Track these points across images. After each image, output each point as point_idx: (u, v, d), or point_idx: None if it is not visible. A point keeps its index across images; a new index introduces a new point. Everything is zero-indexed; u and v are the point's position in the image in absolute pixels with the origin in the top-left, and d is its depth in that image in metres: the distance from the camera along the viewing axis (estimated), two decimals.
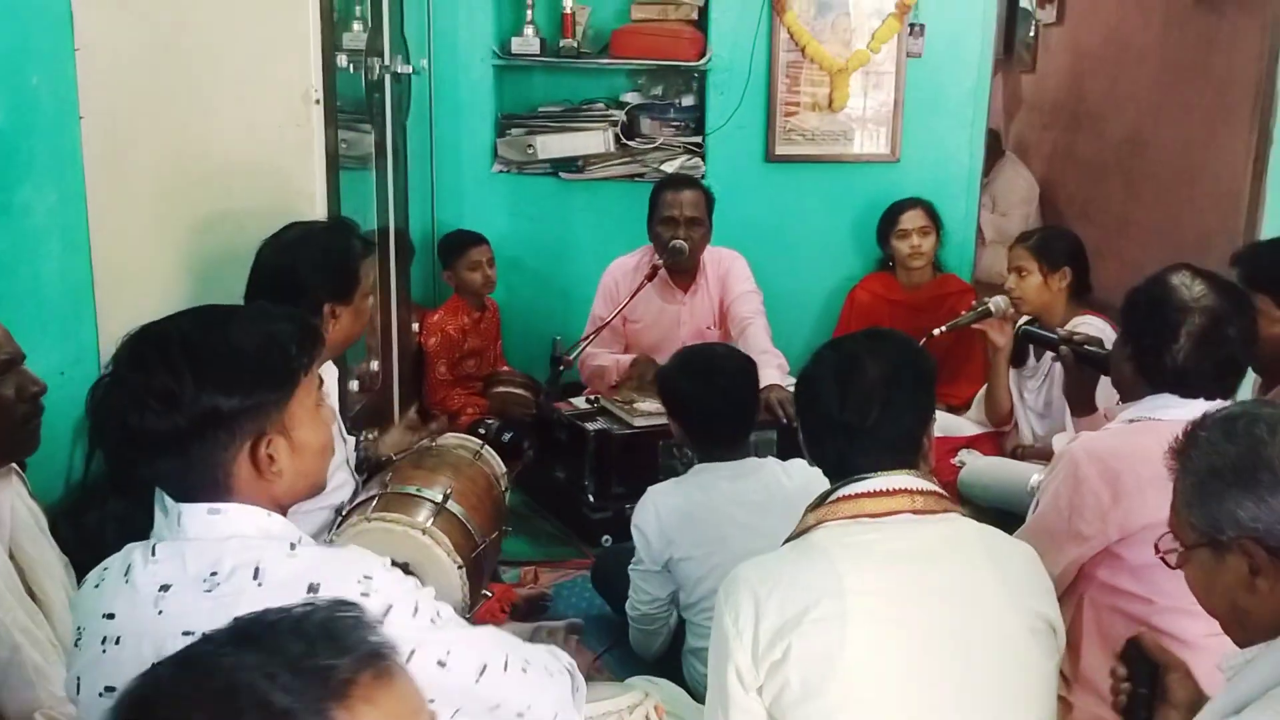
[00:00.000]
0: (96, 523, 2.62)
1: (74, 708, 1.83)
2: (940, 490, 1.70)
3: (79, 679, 1.45)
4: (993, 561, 1.66)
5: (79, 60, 2.77)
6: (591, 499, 3.34)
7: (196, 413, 1.41)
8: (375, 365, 3.57)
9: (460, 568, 2.27)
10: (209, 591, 1.40)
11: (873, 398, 1.69)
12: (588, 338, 3.81)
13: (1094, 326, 3.33)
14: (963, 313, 3.60)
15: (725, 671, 1.62)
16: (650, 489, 2.64)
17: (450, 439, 2.76)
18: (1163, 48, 5.45)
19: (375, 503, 2.35)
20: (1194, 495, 1.41)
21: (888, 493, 1.66)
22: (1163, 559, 1.50)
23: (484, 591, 2.42)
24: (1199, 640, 2.13)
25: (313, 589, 1.38)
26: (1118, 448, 2.20)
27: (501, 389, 4.14)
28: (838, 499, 1.69)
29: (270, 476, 1.47)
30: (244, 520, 1.46)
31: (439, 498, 2.37)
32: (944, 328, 3.41)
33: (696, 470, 2.61)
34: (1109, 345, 2.72)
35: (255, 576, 1.39)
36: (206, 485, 1.44)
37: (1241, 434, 1.39)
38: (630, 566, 2.65)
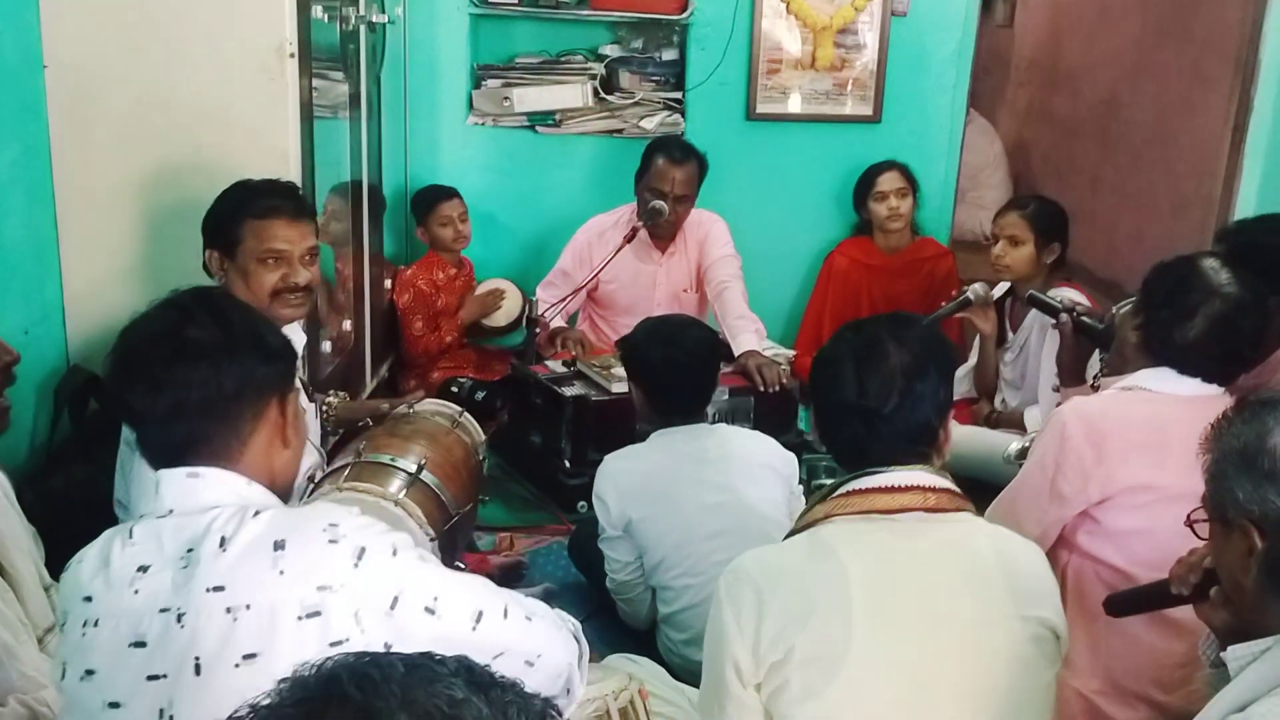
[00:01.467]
0: (63, 488, 2.57)
1: (51, 691, 1.80)
2: (954, 488, 1.67)
3: (65, 664, 1.44)
4: (1002, 567, 1.63)
5: (42, 8, 2.68)
6: (568, 464, 3.30)
7: (240, 374, 1.47)
8: (347, 325, 3.50)
9: (433, 540, 2.24)
10: (185, 568, 1.39)
11: (893, 385, 1.64)
12: (564, 300, 3.75)
13: (1067, 294, 3.36)
14: (943, 304, 3.62)
15: (723, 665, 1.59)
16: (607, 458, 2.68)
17: (428, 405, 2.71)
18: (1144, 8, 5.40)
19: (348, 471, 2.30)
20: (1212, 472, 1.46)
21: (900, 489, 1.63)
22: (1191, 527, 1.55)
23: (458, 563, 2.39)
24: (1183, 619, 2.16)
25: (279, 545, 1.38)
26: (1108, 410, 2.25)
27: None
28: (849, 492, 1.65)
29: (286, 439, 1.54)
30: (222, 486, 1.46)
31: (412, 468, 2.34)
32: (927, 320, 3.40)
33: (654, 437, 2.65)
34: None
35: (221, 545, 1.39)
36: (221, 450, 1.47)
37: (1255, 419, 1.43)
38: (599, 541, 2.66)
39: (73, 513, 2.25)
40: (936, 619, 1.58)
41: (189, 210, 2.52)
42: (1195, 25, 4.86)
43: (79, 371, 2.84)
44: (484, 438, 2.71)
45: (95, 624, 1.41)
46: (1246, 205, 4.23)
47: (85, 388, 2.82)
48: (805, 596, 1.56)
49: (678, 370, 2.63)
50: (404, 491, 2.30)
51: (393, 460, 2.35)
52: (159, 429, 1.47)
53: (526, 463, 3.50)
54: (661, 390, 2.67)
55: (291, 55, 2.75)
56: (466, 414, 2.69)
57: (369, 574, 1.38)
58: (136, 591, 1.39)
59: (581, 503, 3.27)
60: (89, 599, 1.42)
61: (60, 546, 2.04)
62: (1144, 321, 2.27)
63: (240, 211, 2.38)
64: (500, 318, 4.15)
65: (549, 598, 2.80)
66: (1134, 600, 1.88)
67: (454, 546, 2.45)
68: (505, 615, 1.50)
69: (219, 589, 1.36)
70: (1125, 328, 2.33)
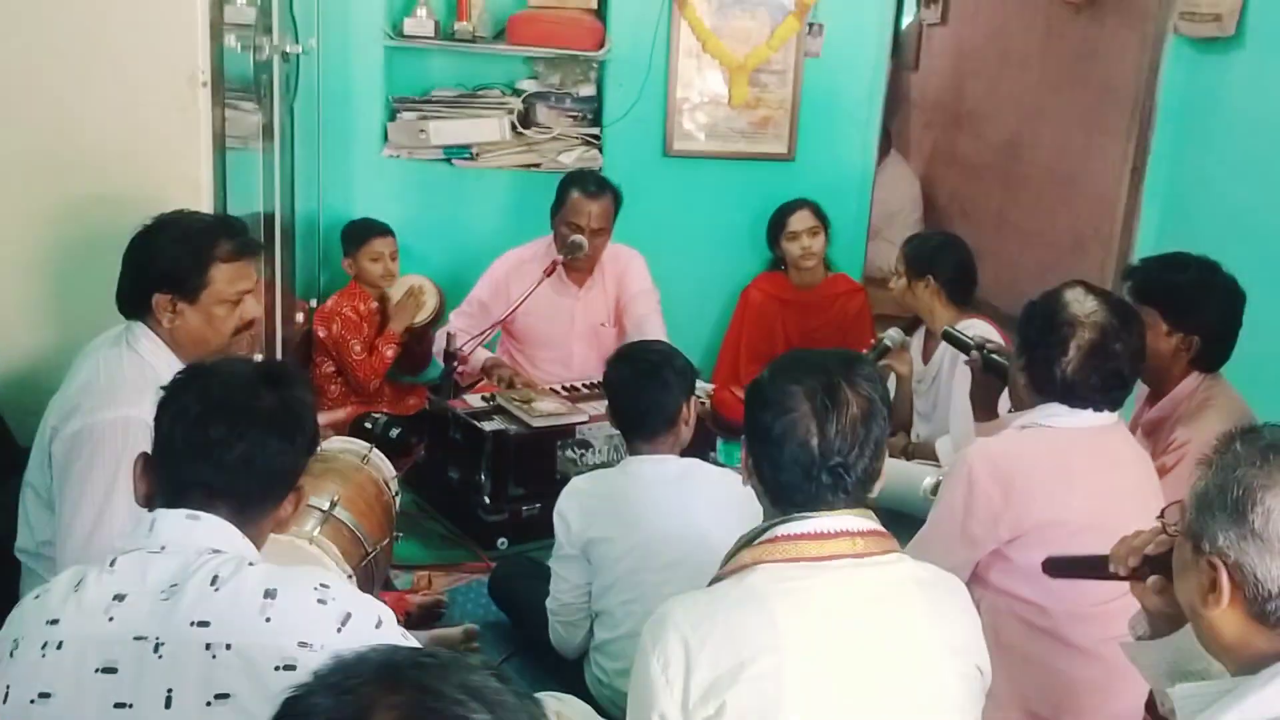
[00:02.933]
0: None
1: None
2: (879, 528, 1.66)
3: (8, 688, 1.41)
4: (930, 608, 1.62)
5: None
6: (487, 500, 3.26)
7: (297, 458, 1.59)
8: (259, 359, 3.42)
9: (350, 577, 2.20)
10: (165, 600, 1.40)
11: (855, 435, 1.60)
12: (484, 334, 3.72)
13: (978, 328, 3.44)
14: (864, 353, 3.64)
15: (649, 716, 1.55)
16: (575, 478, 2.66)
17: (335, 443, 2.67)
18: (1044, 53, 5.60)
19: None
20: (1199, 499, 1.40)
21: (829, 535, 1.60)
22: (1162, 525, 1.52)
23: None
24: (1093, 647, 2.22)
25: (269, 594, 1.41)
26: (1009, 451, 2.28)
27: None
28: (776, 538, 1.62)
29: (285, 524, 1.64)
30: (219, 533, 1.49)
31: (325, 505, 2.30)
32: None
33: (623, 463, 2.65)
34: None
35: (213, 583, 1.41)
36: (232, 513, 1.52)
37: (1257, 465, 1.35)
38: (551, 558, 2.64)
39: None
40: (867, 666, 1.57)
41: (99, 243, 2.45)
42: (1093, 70, 5.05)
43: None
44: (394, 473, 2.67)
45: (59, 647, 1.40)
46: (1146, 244, 4.37)
47: None
48: (735, 649, 1.52)
49: (652, 394, 2.61)
50: (319, 529, 2.26)
51: None
52: (208, 468, 1.51)
53: (444, 499, 3.45)
54: (634, 413, 2.64)
55: (204, 85, 2.70)
56: (376, 450, 2.65)
57: (350, 639, 1.40)
58: (111, 619, 1.40)
59: (502, 539, 3.24)
60: (55, 622, 1.41)
61: None
62: (1025, 362, 2.30)
63: (204, 256, 2.29)
64: (425, 312, 4.08)
65: (471, 639, 2.77)
66: (1071, 565, 1.85)
67: (371, 582, 2.41)
68: None
69: (204, 624, 1.38)
70: (1014, 369, 2.37)
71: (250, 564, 1.45)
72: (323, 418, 2.64)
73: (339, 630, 1.41)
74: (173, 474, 1.52)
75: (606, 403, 2.79)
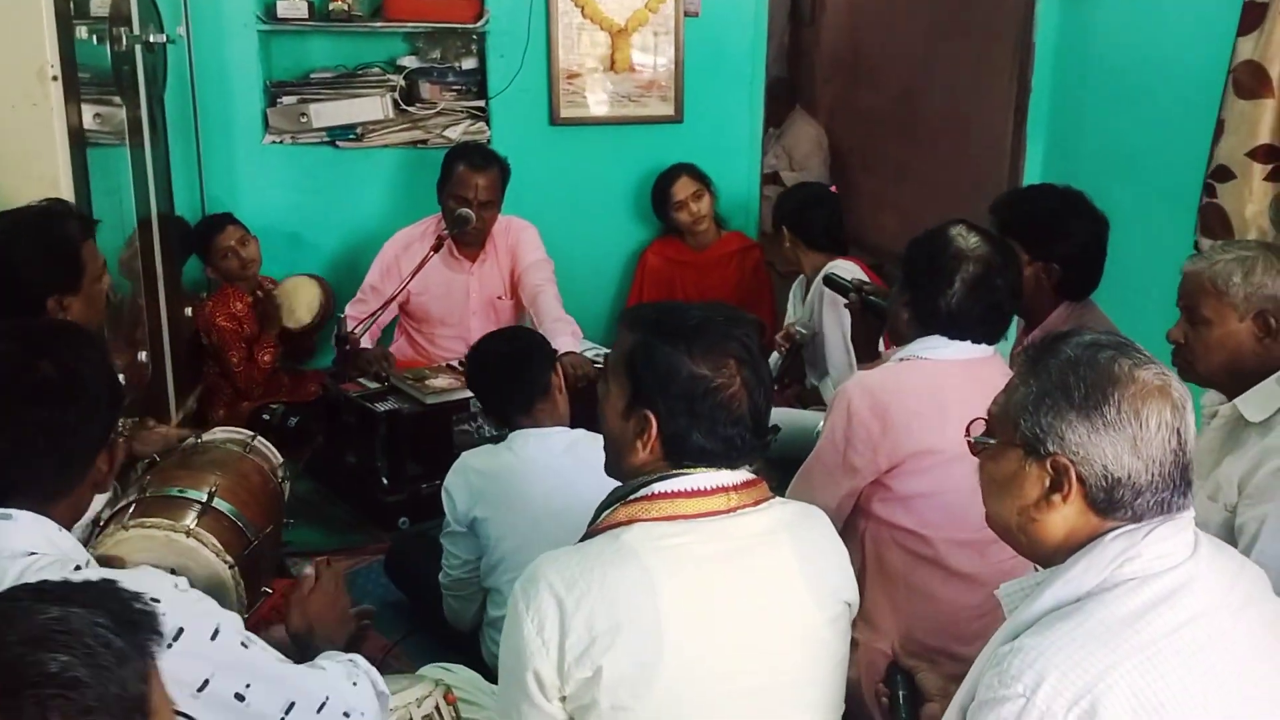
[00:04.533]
0: None
1: None
2: (751, 477, 1.64)
3: None
4: (797, 553, 1.62)
5: None
6: (385, 481, 3.25)
7: (86, 420, 1.51)
8: (143, 356, 3.36)
9: (231, 567, 2.18)
10: None
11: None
12: (374, 314, 3.69)
13: (843, 268, 3.53)
14: (777, 355, 3.82)
15: (523, 676, 1.53)
16: (464, 454, 2.64)
17: (218, 433, 2.63)
18: (931, 2, 5.64)
19: (133, 509, 2.22)
20: (1033, 401, 1.42)
21: (706, 492, 1.59)
22: (969, 443, 1.54)
23: (264, 589, 2.33)
24: (975, 572, 2.27)
25: None
26: (887, 382, 2.33)
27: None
28: (653, 495, 1.59)
29: (104, 485, 1.60)
30: (36, 531, 1.44)
31: (203, 497, 2.27)
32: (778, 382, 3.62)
33: (510, 438, 2.63)
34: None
35: None
36: (43, 493, 1.48)
37: (1103, 364, 1.40)
38: (441, 534, 2.63)
39: None
40: (741, 619, 1.57)
41: None
42: (976, 16, 5.10)
43: None
44: (282, 460, 2.64)
45: None
46: (1031, 180, 4.44)
47: None
48: (611, 610, 1.50)
49: (519, 371, 2.63)
50: (196, 521, 2.23)
51: (182, 491, 2.28)
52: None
53: (343, 483, 3.43)
54: (504, 392, 2.65)
55: (55, 78, 2.63)
56: (260, 438, 2.62)
57: (182, 654, 1.37)
58: None
59: (403, 519, 3.23)
60: None
61: None
62: (909, 297, 2.35)
63: (73, 248, 2.30)
64: (303, 313, 3.97)
65: (366, 618, 2.75)
66: None
67: (258, 571, 2.39)
68: (320, 709, 1.52)
69: None
70: (896, 304, 2.41)
71: (77, 568, 1.40)
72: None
73: (169, 646, 1.35)
74: None
75: (476, 399, 2.80)
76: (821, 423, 3.19)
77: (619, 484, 1.70)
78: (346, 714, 1.56)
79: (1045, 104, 4.41)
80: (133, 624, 0.99)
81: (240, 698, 1.42)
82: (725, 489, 1.60)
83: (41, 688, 0.91)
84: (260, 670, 1.47)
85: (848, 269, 3.52)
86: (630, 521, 1.58)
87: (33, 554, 1.41)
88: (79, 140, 2.76)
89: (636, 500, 1.61)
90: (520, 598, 1.54)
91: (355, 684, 1.62)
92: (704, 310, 1.67)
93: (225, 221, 3.92)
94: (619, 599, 1.51)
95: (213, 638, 1.41)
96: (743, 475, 1.63)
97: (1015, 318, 2.97)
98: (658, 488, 1.60)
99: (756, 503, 1.62)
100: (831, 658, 1.66)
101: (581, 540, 1.65)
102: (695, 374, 1.58)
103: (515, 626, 1.54)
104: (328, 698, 1.54)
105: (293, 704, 1.48)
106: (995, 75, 4.81)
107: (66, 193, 2.67)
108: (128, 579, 1.42)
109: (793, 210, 3.87)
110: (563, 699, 1.54)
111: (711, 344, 1.60)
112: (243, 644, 1.47)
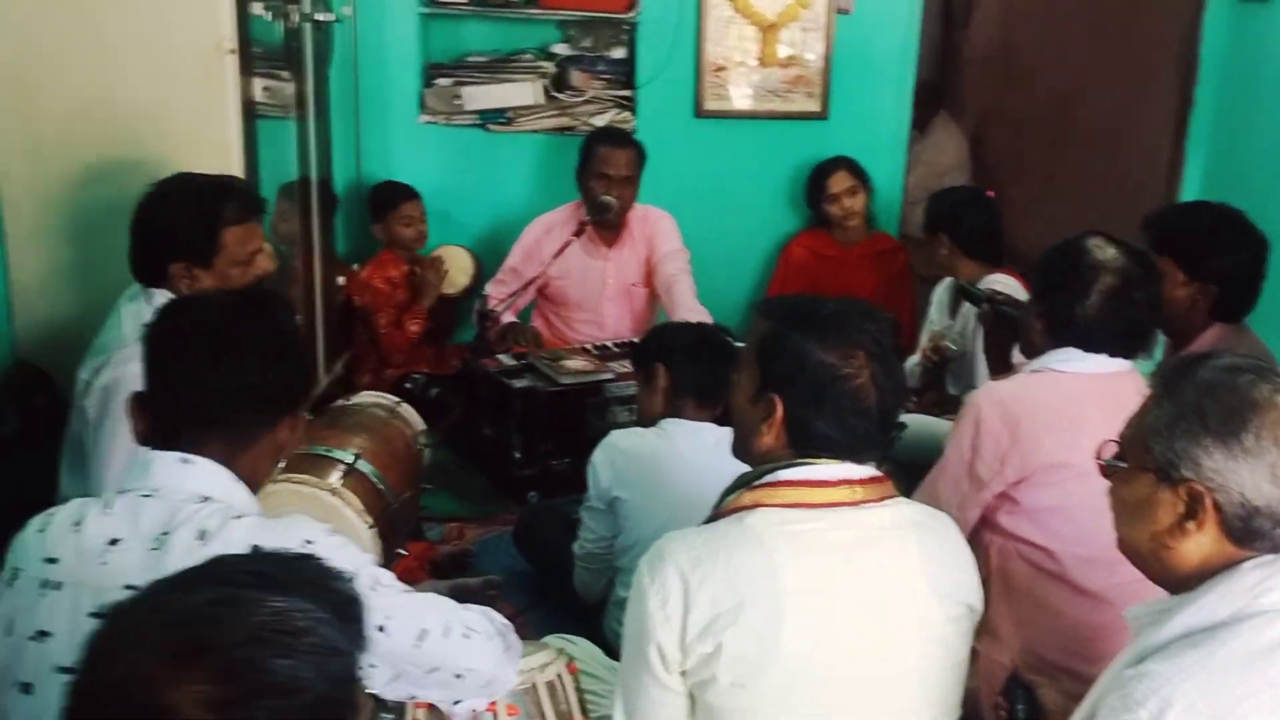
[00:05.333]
0: (9, 479, 2.59)
1: None
2: (879, 475, 1.66)
3: (12, 620, 1.46)
4: (921, 550, 1.63)
5: None
6: (518, 456, 3.33)
7: (284, 380, 1.60)
8: (298, 319, 3.52)
9: (371, 527, 2.27)
10: (155, 549, 1.43)
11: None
12: (514, 294, 3.79)
13: (1003, 283, 3.44)
14: (921, 365, 3.68)
15: (646, 649, 1.57)
16: (612, 433, 2.70)
17: (365, 397, 2.74)
18: (1091, 7, 5.49)
19: (284, 464, 2.33)
20: (1167, 425, 1.39)
21: (830, 483, 1.61)
22: (1100, 465, 1.52)
23: (399, 550, 2.42)
24: (1101, 591, 2.23)
25: (254, 550, 1.40)
26: (1018, 394, 2.30)
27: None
28: (778, 483, 1.62)
29: (283, 455, 1.65)
30: (211, 477, 1.51)
31: (349, 458, 2.37)
32: (914, 399, 3.56)
33: (661, 424, 2.66)
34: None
35: (200, 538, 1.43)
36: (227, 445, 1.54)
37: (1242, 388, 1.36)
38: (581, 506, 2.69)
39: (17, 504, 2.28)
40: (861, 609, 1.59)
41: (132, 207, 2.55)
42: (1139, 23, 4.95)
43: (26, 367, 2.85)
44: (424, 427, 2.74)
45: (58, 588, 1.44)
46: (1190, 198, 4.30)
47: (32, 383, 2.83)
48: (734, 589, 1.54)
49: (702, 360, 2.64)
50: (341, 480, 2.33)
51: (329, 451, 2.39)
52: (193, 400, 1.52)
53: (479, 455, 3.53)
54: (684, 381, 2.66)
55: (231, 52, 2.77)
56: (404, 404, 2.72)
57: None
58: (104, 564, 1.43)
59: (532, 493, 3.31)
60: (53, 560, 1.45)
61: (5, 537, 2.07)
62: (1042, 309, 2.31)
63: (214, 223, 2.36)
64: (460, 276, 4.14)
65: (493, 588, 2.85)
66: None
67: (394, 534, 2.48)
68: (446, 634, 1.59)
69: None
70: (1029, 315, 2.38)
71: (239, 516, 1.47)
72: None
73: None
74: (163, 408, 1.54)
75: (657, 360, 2.73)
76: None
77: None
78: (467, 635, 1.64)
79: (1208, 118, 4.25)
80: (349, 619, 1.00)
81: (381, 629, 1.49)
82: (850, 482, 1.62)
83: (264, 697, 0.90)
84: (396, 605, 1.55)
85: (1007, 284, 3.40)
86: (754, 506, 1.61)
87: (206, 499, 1.48)
88: (250, 112, 2.89)
89: (761, 486, 1.64)
90: (646, 573, 1.59)
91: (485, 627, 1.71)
92: (839, 304, 1.70)
93: (414, 193, 4.12)
94: (741, 579, 1.54)
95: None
96: (868, 470, 1.64)
97: (1162, 338, 2.91)
98: (782, 475, 1.62)
99: (881, 499, 1.63)
100: (950, 656, 1.66)
101: (706, 522, 1.68)
102: (823, 362, 1.60)
103: (640, 600, 1.59)
104: (451, 623, 1.62)
105: (425, 631, 1.57)
106: (1155, 86, 4.66)
107: (237, 162, 2.81)
108: (282, 526, 1.52)
109: (947, 213, 3.68)
110: (683, 673, 1.58)
111: (842, 335, 1.62)
112: (373, 587, 1.54)
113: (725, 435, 2.56)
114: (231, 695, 0.89)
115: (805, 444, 1.63)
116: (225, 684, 0.90)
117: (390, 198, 4.11)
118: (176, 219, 2.35)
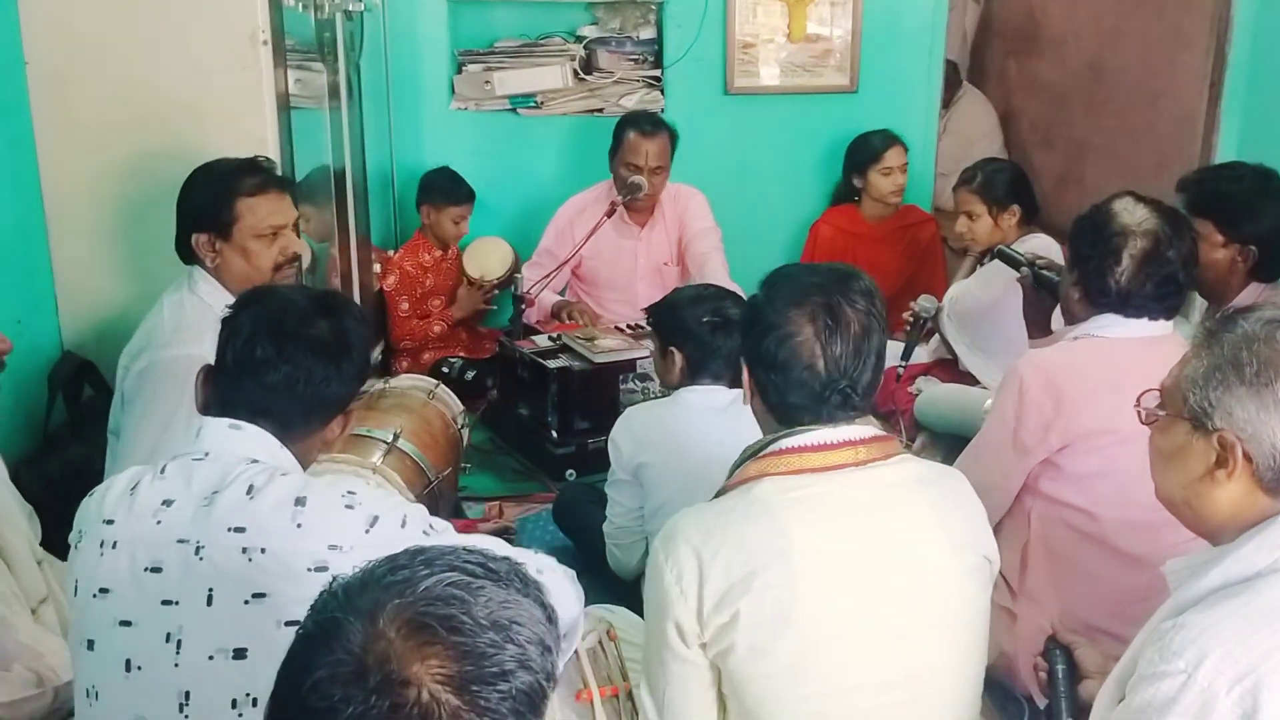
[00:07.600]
0: (58, 469, 2.66)
1: (49, 658, 1.89)
2: (881, 433, 1.68)
3: (77, 581, 1.54)
4: (933, 504, 1.65)
5: (21, 8, 2.75)
6: (555, 435, 3.37)
7: (344, 386, 1.65)
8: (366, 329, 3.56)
9: (413, 503, 2.31)
10: (206, 506, 1.50)
11: (858, 354, 1.63)
12: (549, 275, 3.82)
13: (1042, 243, 3.43)
14: (903, 335, 3.49)
15: (665, 625, 1.60)
16: (627, 409, 2.74)
17: (404, 380, 2.80)
18: None
19: None
20: (1203, 375, 1.41)
21: (833, 446, 1.63)
22: (1137, 412, 1.54)
23: None
24: (1143, 554, 2.22)
25: (300, 501, 1.50)
26: (1060, 361, 2.30)
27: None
28: (781, 451, 1.64)
29: (330, 447, 1.72)
30: (258, 443, 1.58)
31: (389, 437, 2.41)
32: (902, 363, 3.42)
33: (675, 393, 2.69)
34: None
35: (248, 492, 1.50)
36: (276, 430, 1.60)
37: (1270, 339, 1.38)
38: (606, 484, 2.72)
39: (67, 492, 2.34)
40: (875, 567, 1.60)
41: (171, 198, 2.60)
42: None
43: (72, 358, 2.92)
44: (462, 408, 2.78)
45: (114, 546, 1.51)
46: (1226, 158, 4.25)
47: (78, 373, 2.90)
48: (746, 558, 1.56)
49: (718, 332, 2.63)
50: (382, 459, 2.38)
51: (369, 431, 2.44)
52: (254, 386, 1.58)
53: (516, 435, 3.57)
54: (700, 352, 2.65)
55: (265, 43, 2.82)
56: (442, 385, 2.77)
57: (378, 540, 1.49)
58: (159, 522, 1.50)
59: (570, 471, 3.34)
60: (110, 522, 1.52)
61: (57, 524, 2.13)
62: (1077, 276, 2.31)
63: (229, 193, 2.40)
64: (496, 267, 4.14)
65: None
66: None
67: (435, 511, 2.52)
68: None
69: (240, 530, 1.48)
70: (1066, 283, 2.37)
71: (284, 474, 1.54)
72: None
73: (366, 532, 1.51)
74: (224, 388, 1.61)
75: (671, 343, 2.72)
76: (989, 401, 3.20)
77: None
78: (541, 572, 1.65)
79: (1243, 79, 4.20)
80: (553, 621, 1.03)
81: None
82: (853, 443, 1.64)
83: (496, 680, 0.94)
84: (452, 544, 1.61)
85: (1040, 242, 3.39)
86: (761, 476, 1.64)
87: (255, 461, 1.55)
88: (284, 102, 2.94)
89: (766, 456, 1.66)
90: (660, 551, 1.62)
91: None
92: (806, 269, 1.78)
93: (471, 196, 4.14)
94: (753, 547, 1.57)
95: (401, 526, 1.55)
96: (870, 430, 1.67)
97: (1199, 298, 2.89)
98: (785, 443, 1.65)
99: (887, 456, 1.66)
100: (970, 606, 1.67)
101: (716, 496, 1.71)
102: (769, 323, 1.65)
103: (656, 578, 1.62)
104: (525, 558, 1.64)
105: None
106: (1189, 48, 4.61)
107: (273, 150, 2.86)
108: (326, 480, 1.59)
109: (1010, 187, 3.65)
110: (702, 646, 1.60)
111: (789, 295, 1.66)
112: (426, 530, 1.61)
113: (737, 395, 2.63)
114: (469, 675, 0.93)
115: (780, 411, 1.68)
116: (463, 662, 0.93)
117: (452, 193, 4.12)
118: (196, 190, 2.43)
